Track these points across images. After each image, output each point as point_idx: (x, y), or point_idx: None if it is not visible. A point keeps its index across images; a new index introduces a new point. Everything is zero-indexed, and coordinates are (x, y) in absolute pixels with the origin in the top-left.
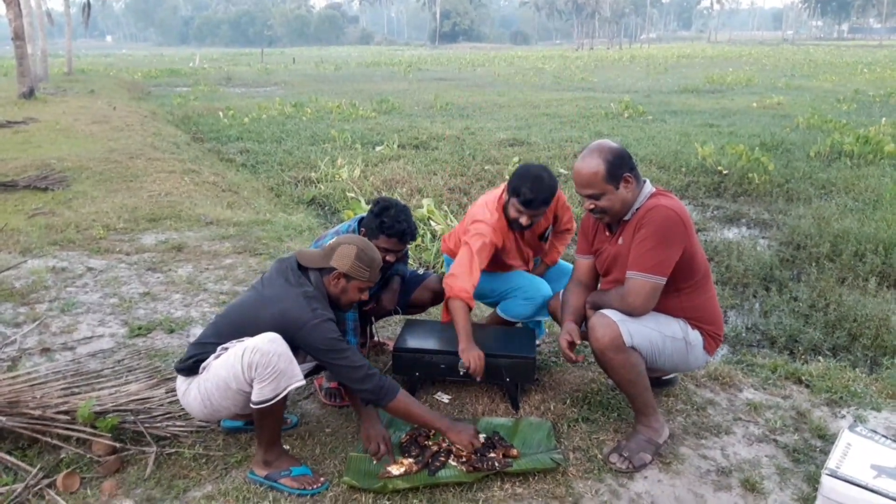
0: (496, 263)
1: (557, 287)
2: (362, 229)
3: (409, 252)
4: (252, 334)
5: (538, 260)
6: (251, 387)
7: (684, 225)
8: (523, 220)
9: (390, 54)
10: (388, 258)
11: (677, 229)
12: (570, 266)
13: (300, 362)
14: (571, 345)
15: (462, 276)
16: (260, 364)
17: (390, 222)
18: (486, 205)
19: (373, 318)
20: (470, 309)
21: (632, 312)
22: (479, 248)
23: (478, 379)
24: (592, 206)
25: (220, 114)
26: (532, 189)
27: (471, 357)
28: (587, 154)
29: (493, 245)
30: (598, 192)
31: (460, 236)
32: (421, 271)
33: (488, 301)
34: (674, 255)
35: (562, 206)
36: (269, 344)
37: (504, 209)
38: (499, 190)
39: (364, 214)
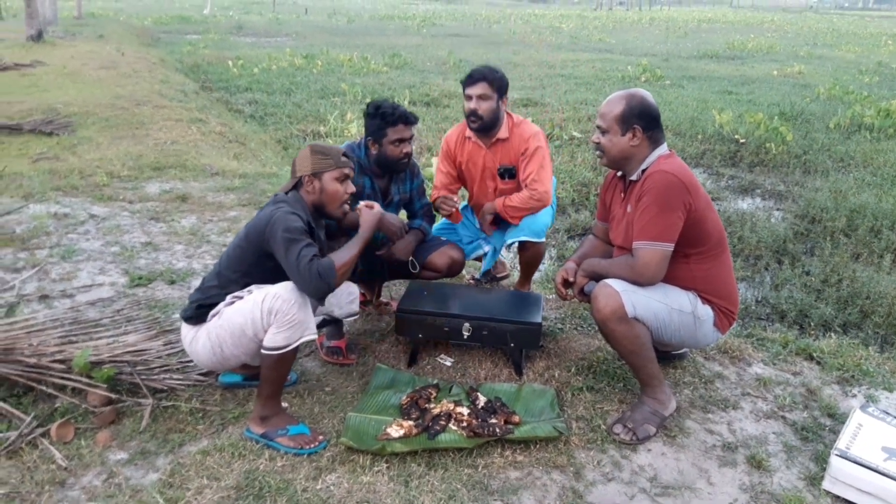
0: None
1: (519, 234)
2: (369, 138)
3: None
4: (243, 264)
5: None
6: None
7: (685, 188)
8: (471, 105)
9: (404, 8)
10: (404, 150)
11: (677, 193)
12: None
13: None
14: (566, 282)
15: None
16: (280, 311)
17: (388, 111)
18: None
19: (386, 274)
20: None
21: (642, 282)
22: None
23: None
24: (598, 141)
25: (230, 63)
26: (469, 73)
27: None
28: (620, 93)
29: (445, 154)
30: (605, 128)
31: None
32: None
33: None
34: (677, 219)
35: (526, 147)
36: (291, 292)
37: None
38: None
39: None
